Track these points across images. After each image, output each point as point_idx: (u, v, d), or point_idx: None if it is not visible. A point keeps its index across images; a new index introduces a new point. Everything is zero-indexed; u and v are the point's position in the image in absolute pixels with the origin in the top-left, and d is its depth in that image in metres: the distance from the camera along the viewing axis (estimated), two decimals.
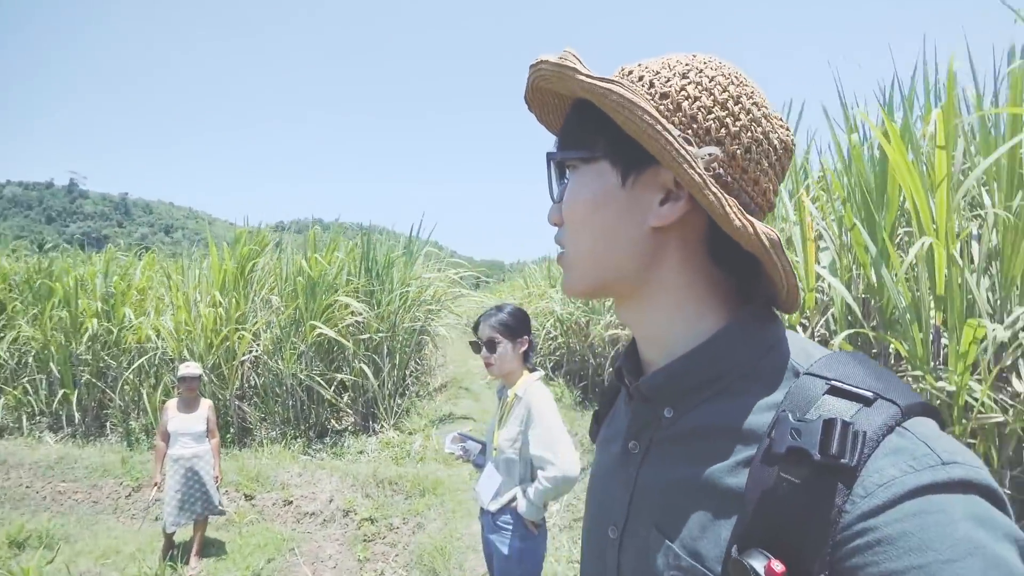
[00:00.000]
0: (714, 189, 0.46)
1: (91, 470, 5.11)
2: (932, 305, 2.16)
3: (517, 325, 2.04)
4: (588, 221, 0.53)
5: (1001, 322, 2.08)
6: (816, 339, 2.80)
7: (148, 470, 4.92)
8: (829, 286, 2.76)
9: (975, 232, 2.33)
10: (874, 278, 2.53)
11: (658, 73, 0.51)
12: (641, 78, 0.51)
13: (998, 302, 2.17)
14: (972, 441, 2.11)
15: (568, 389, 8.00)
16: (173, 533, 3.69)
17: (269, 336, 6.20)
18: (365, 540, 4.03)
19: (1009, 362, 2.01)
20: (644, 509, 0.53)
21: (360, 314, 6.31)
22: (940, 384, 2.08)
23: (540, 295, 10.14)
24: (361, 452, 5.74)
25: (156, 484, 3.60)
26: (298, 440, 5.91)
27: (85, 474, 5.07)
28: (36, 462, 5.22)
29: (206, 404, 3.79)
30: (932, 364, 2.18)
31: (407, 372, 7.41)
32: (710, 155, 0.48)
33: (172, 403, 3.73)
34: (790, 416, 0.42)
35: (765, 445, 0.43)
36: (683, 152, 0.46)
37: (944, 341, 2.20)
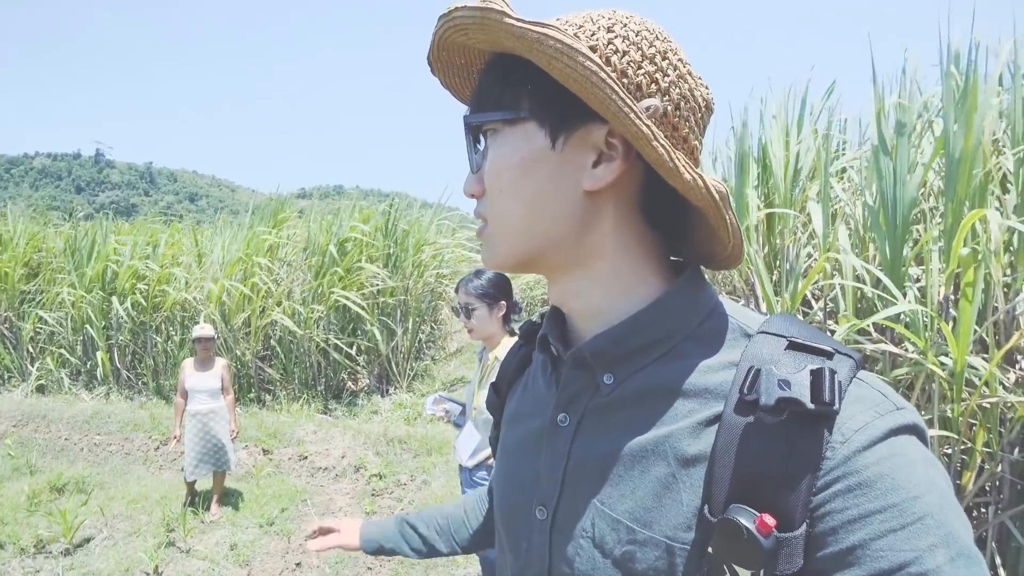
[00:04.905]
0: (663, 142, 0.44)
1: (123, 424, 5.44)
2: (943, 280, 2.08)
3: (494, 291, 2.07)
4: (516, 188, 0.49)
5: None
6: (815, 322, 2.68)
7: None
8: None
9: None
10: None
11: (582, 27, 0.48)
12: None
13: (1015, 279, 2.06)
14: (972, 422, 2.03)
15: None
16: (194, 482, 3.94)
17: (290, 302, 6.39)
18: (373, 495, 4.23)
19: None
20: (581, 484, 0.50)
21: (380, 276, 6.43)
22: (943, 359, 1.98)
23: None
24: (375, 412, 5.95)
25: (176, 437, 3.82)
26: (315, 400, 6.15)
27: (118, 428, 5.41)
28: (73, 417, 5.58)
29: (221, 363, 3.98)
30: (937, 340, 2.09)
31: (422, 336, 7.57)
32: (650, 108, 0.46)
33: (188, 362, 3.93)
34: (774, 368, 0.42)
35: (735, 400, 0.43)
36: (629, 103, 0.43)
37: (953, 313, 2.12)
